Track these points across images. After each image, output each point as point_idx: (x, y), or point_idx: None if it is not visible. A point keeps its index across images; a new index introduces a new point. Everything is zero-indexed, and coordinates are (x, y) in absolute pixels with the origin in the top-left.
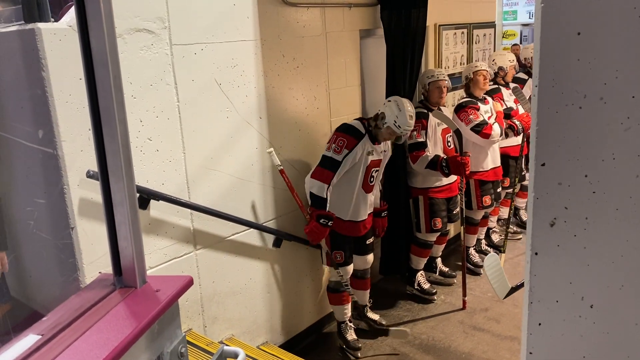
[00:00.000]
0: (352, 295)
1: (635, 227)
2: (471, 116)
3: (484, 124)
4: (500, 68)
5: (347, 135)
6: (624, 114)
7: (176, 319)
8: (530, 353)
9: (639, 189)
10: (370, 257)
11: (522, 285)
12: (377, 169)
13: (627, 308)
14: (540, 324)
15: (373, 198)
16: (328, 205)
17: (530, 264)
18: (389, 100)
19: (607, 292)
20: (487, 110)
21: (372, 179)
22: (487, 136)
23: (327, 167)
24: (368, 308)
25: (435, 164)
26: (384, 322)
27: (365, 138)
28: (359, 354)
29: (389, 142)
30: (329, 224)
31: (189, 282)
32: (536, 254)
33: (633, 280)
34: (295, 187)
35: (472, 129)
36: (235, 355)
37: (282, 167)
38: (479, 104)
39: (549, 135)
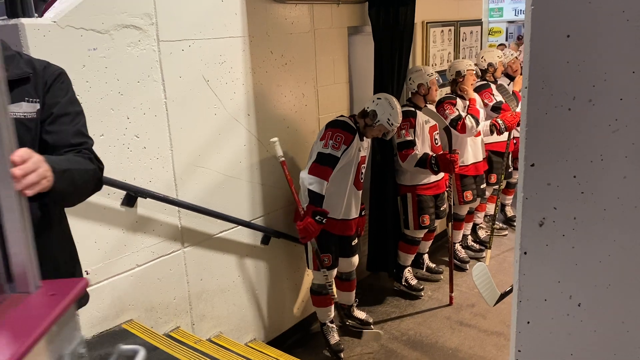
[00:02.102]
0: (334, 298)
1: (622, 227)
2: (447, 111)
3: (458, 119)
4: (490, 64)
5: (343, 131)
6: (612, 115)
7: (73, 321)
8: (519, 351)
9: (627, 190)
10: (355, 259)
11: (511, 291)
12: (364, 165)
13: (614, 306)
14: (529, 322)
15: (361, 195)
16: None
17: (520, 263)
18: (379, 99)
19: (595, 291)
20: (466, 105)
21: (362, 176)
22: (462, 132)
23: (326, 164)
24: (354, 307)
25: (425, 162)
26: (370, 320)
27: (357, 134)
28: (342, 355)
29: (369, 142)
30: (324, 221)
31: (85, 285)
32: (525, 253)
33: (620, 279)
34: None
35: (449, 124)
36: (134, 353)
37: (284, 159)
38: (458, 99)
39: (539, 136)
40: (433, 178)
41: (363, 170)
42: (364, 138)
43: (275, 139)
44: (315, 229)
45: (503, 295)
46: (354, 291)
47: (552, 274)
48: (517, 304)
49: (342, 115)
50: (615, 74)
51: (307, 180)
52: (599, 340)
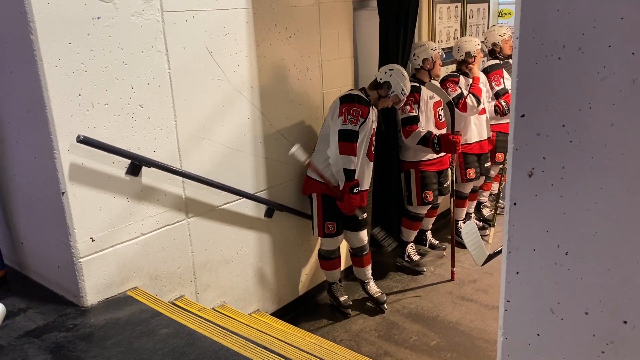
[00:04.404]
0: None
1: (609, 175)
2: (449, 89)
3: (460, 97)
4: (494, 44)
5: (359, 105)
6: (601, 63)
7: None
8: (508, 301)
9: (614, 137)
10: (363, 234)
11: (499, 252)
12: (374, 136)
13: (600, 254)
14: (517, 273)
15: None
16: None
17: (509, 214)
18: (391, 69)
19: (582, 239)
20: (469, 84)
21: (373, 147)
22: (463, 110)
23: (350, 140)
24: (370, 283)
25: (427, 141)
26: (384, 299)
27: (370, 106)
28: (350, 311)
29: (378, 114)
30: (361, 190)
31: None
32: (515, 204)
33: (606, 226)
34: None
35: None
36: None
37: (309, 160)
38: (461, 76)
39: (529, 86)
40: (436, 154)
41: (374, 141)
42: (378, 110)
43: (295, 147)
44: (357, 200)
45: (491, 256)
46: (368, 267)
47: (541, 223)
48: (506, 254)
49: (351, 90)
50: (604, 21)
51: (341, 161)
52: (585, 287)
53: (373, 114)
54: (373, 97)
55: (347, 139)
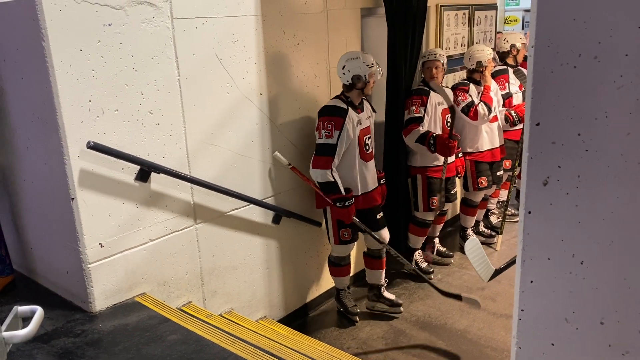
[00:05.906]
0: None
1: (625, 184)
2: (459, 98)
3: (471, 105)
4: (513, 46)
5: (332, 117)
6: (617, 72)
7: None
8: (522, 310)
9: (630, 147)
10: (385, 233)
11: (507, 267)
12: (369, 135)
13: (616, 263)
14: (532, 282)
15: (374, 165)
16: (341, 186)
17: (524, 223)
18: (344, 66)
19: (597, 248)
20: (480, 91)
21: (367, 147)
22: (474, 119)
23: (324, 154)
24: (384, 288)
25: (424, 139)
26: (400, 302)
27: (349, 112)
28: (357, 318)
29: (370, 107)
30: (346, 204)
31: None
32: (529, 212)
33: (622, 236)
34: (300, 166)
35: (461, 111)
36: (32, 312)
37: (291, 165)
38: (472, 85)
39: (544, 95)
40: (443, 161)
41: (368, 142)
42: (364, 107)
43: (275, 153)
44: (346, 212)
45: (498, 271)
46: (383, 270)
47: (556, 232)
48: (521, 263)
49: (333, 97)
50: (621, 30)
51: (312, 174)
52: (600, 297)
53: (356, 117)
54: (354, 96)
55: (321, 153)
